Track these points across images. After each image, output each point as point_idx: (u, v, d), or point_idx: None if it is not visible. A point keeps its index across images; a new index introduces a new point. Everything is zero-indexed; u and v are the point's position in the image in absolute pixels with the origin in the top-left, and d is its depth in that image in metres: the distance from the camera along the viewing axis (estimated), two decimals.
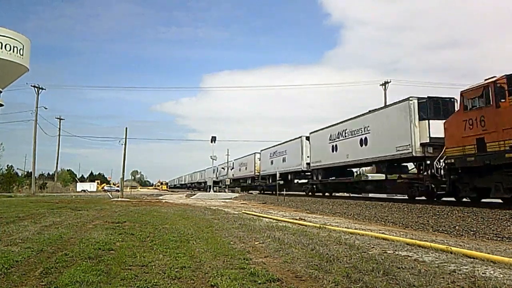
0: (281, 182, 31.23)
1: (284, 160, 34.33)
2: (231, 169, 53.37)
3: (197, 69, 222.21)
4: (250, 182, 46.78)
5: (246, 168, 48.00)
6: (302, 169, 30.54)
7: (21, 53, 28.11)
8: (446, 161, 14.35)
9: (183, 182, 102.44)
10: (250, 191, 43.57)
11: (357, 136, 22.04)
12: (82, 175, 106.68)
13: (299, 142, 31.07)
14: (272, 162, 37.54)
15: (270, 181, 38.09)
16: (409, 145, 17.10)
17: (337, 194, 28.15)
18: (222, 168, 56.61)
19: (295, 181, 32.38)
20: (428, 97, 17.11)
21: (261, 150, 42.16)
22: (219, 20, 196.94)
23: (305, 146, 30.05)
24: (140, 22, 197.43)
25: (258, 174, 43.01)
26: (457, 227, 9.09)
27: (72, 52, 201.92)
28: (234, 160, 53.67)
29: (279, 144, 36.50)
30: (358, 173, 25.69)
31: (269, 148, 39.57)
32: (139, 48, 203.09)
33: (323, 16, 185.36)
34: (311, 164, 28.59)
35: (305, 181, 31.05)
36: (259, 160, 42.64)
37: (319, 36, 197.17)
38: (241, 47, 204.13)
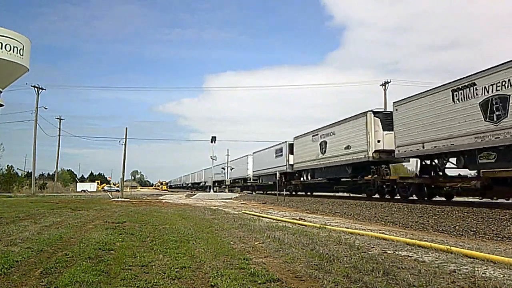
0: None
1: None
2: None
3: (199, 70, 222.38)
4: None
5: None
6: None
7: (21, 53, 28.07)
8: None
9: (183, 182, 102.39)
10: (244, 191, 44.40)
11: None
12: (82, 175, 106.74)
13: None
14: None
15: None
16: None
17: (337, 194, 28.30)
18: (222, 168, 56.64)
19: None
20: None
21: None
22: (222, 21, 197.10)
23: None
24: (143, 23, 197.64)
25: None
26: (457, 227, 9.09)
27: (75, 53, 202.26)
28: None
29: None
30: None
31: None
32: (142, 49, 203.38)
33: (326, 17, 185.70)
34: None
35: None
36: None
37: (322, 37, 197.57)
38: (244, 48, 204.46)
